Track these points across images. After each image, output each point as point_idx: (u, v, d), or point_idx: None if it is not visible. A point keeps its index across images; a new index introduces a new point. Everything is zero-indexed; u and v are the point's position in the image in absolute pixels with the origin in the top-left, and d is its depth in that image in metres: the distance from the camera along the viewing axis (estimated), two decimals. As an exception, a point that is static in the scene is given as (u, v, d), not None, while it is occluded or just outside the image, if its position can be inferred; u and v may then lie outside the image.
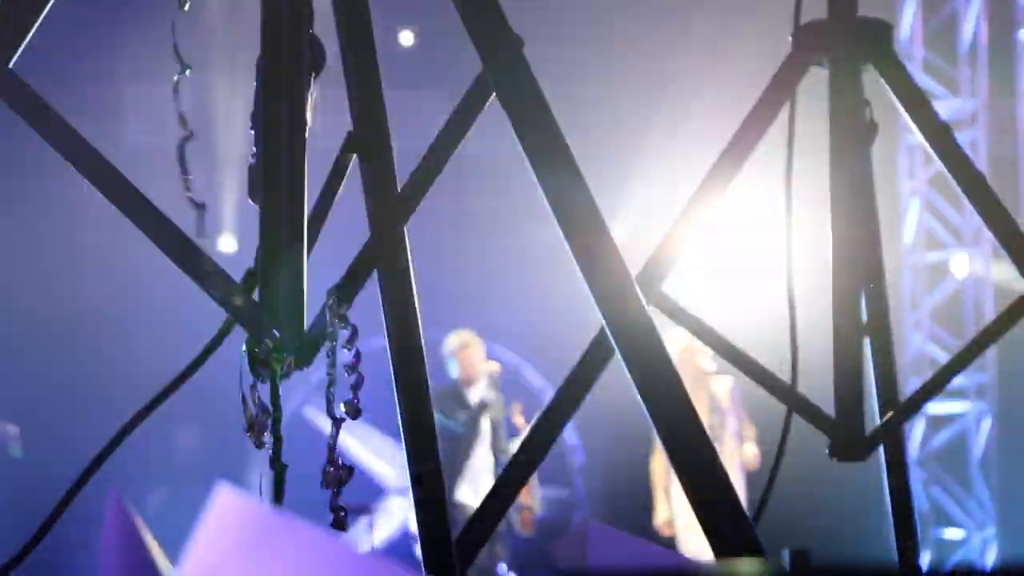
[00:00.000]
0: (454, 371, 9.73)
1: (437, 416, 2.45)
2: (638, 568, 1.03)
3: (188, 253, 2.09)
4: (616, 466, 11.45)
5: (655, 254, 3.14)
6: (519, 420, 9.98)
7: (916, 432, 11.48)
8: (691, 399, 2.12)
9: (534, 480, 9.94)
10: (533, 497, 9.84)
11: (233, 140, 11.44)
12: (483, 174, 9.97)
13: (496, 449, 9.59)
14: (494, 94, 2.18)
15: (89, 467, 2.07)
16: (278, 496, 1.94)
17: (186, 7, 2.11)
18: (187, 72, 2.13)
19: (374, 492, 10.46)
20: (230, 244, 11.31)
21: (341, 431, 1.99)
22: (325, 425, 2.06)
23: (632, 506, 10.43)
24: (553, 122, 2.10)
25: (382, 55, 2.21)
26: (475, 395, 9.67)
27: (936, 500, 11.51)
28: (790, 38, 3.21)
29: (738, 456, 9.68)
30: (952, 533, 11.51)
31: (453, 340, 9.77)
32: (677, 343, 9.14)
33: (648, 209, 11.02)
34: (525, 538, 9.93)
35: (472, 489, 9.39)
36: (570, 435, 11.43)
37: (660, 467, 9.54)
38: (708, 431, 2.09)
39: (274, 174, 2.07)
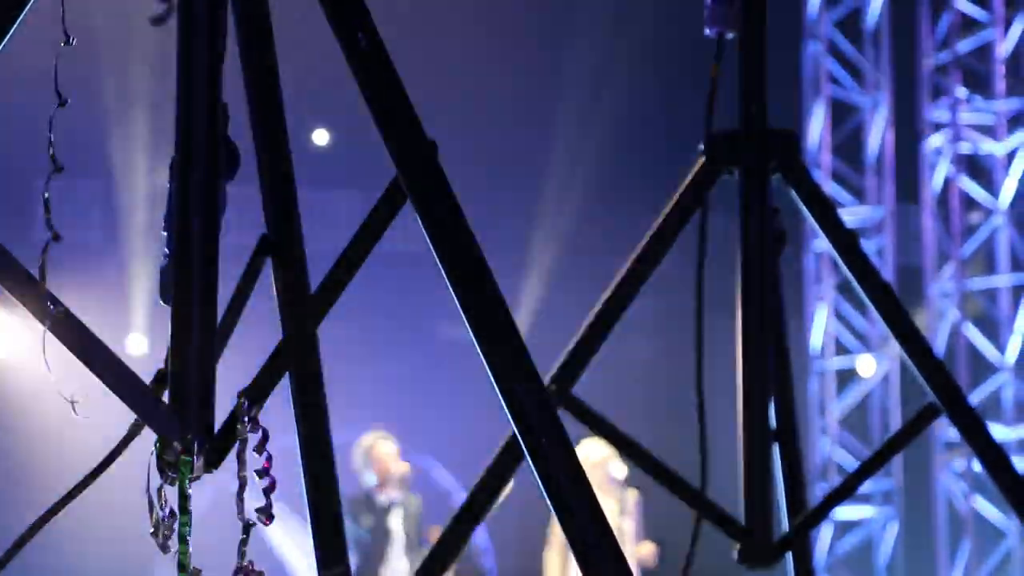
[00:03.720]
0: (366, 474, 9.65)
1: (346, 523, 2.43)
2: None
3: (97, 353, 2.07)
4: (527, 571, 11.39)
5: (566, 357, 3.15)
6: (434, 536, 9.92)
7: (823, 537, 11.52)
8: (600, 506, 2.12)
9: None
10: None
11: (144, 241, 11.38)
12: (395, 272, 9.97)
13: (412, 551, 9.50)
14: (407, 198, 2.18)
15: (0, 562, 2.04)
16: (185, 601, 1.91)
17: (72, 42, 2.09)
18: (65, 104, 2.09)
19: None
20: (140, 345, 11.20)
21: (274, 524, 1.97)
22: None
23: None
24: (467, 229, 2.11)
25: (296, 154, 2.22)
26: (385, 498, 9.59)
27: (843, 605, 11.55)
28: (700, 146, 3.25)
29: (636, 555, 9.71)
30: (859, 639, 11.54)
31: (366, 440, 9.71)
32: (589, 456, 9.19)
33: (545, 309, 11.07)
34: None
35: None
36: (480, 537, 11.36)
37: (555, 560, 9.55)
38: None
39: (186, 275, 2.06)
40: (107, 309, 9.91)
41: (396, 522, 9.59)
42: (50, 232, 2.02)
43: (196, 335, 2.05)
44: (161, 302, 2.10)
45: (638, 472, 3.34)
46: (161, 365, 2.12)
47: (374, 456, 9.63)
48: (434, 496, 10.61)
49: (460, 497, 10.53)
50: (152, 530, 2.01)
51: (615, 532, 2.08)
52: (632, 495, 9.83)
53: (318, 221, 11.24)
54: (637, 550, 9.76)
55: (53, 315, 2.00)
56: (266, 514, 1.95)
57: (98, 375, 2.07)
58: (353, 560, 2.10)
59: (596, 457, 9.28)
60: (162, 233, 2.11)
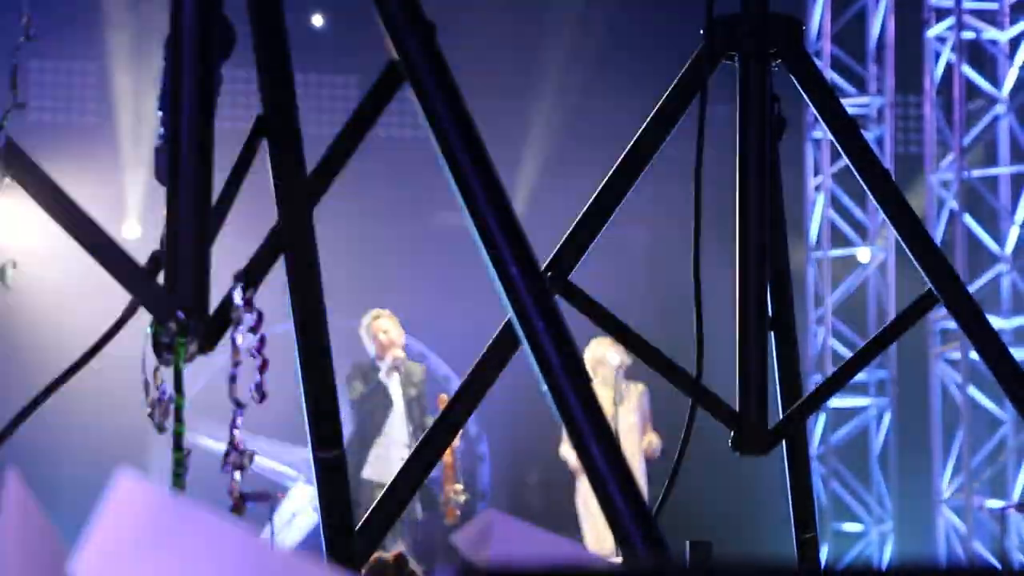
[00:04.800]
0: (368, 346, 9.74)
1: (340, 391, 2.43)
2: (542, 560, 1.03)
3: (93, 234, 2.06)
4: (521, 455, 11.47)
5: (563, 244, 3.14)
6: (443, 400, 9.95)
7: (817, 426, 11.59)
8: (596, 393, 2.13)
9: (458, 473, 9.92)
10: (457, 490, 9.80)
11: (138, 125, 11.33)
12: (392, 159, 9.93)
13: (416, 421, 9.55)
14: (405, 79, 2.17)
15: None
16: (179, 481, 1.92)
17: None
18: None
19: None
20: (134, 230, 11.18)
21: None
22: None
23: (537, 496, 10.46)
24: (465, 111, 2.09)
25: (293, 37, 2.19)
26: (384, 365, 9.64)
27: (836, 494, 11.63)
28: (701, 32, 3.22)
29: (641, 448, 9.76)
30: (851, 527, 11.64)
31: (370, 314, 9.80)
32: (594, 354, 9.25)
33: (544, 197, 11.04)
34: (427, 527, 9.91)
35: (379, 465, 9.36)
36: (474, 424, 11.42)
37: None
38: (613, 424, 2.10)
39: (181, 156, 2.05)
40: (102, 194, 9.88)
41: (396, 390, 9.65)
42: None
43: (191, 215, 2.04)
44: (157, 182, 2.09)
45: (646, 370, 3.34)
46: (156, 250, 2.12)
47: (373, 330, 9.71)
48: (430, 382, 10.64)
49: (456, 385, 10.57)
50: (148, 411, 2.02)
51: (609, 420, 2.09)
52: (637, 389, 9.86)
53: (314, 105, 11.19)
54: (645, 442, 9.81)
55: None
56: (259, 393, 1.95)
57: (94, 256, 2.06)
58: (346, 427, 2.12)
59: (597, 355, 9.33)
60: (157, 113, 2.09)
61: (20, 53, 2.16)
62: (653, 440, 9.82)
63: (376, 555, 3.72)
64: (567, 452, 9.57)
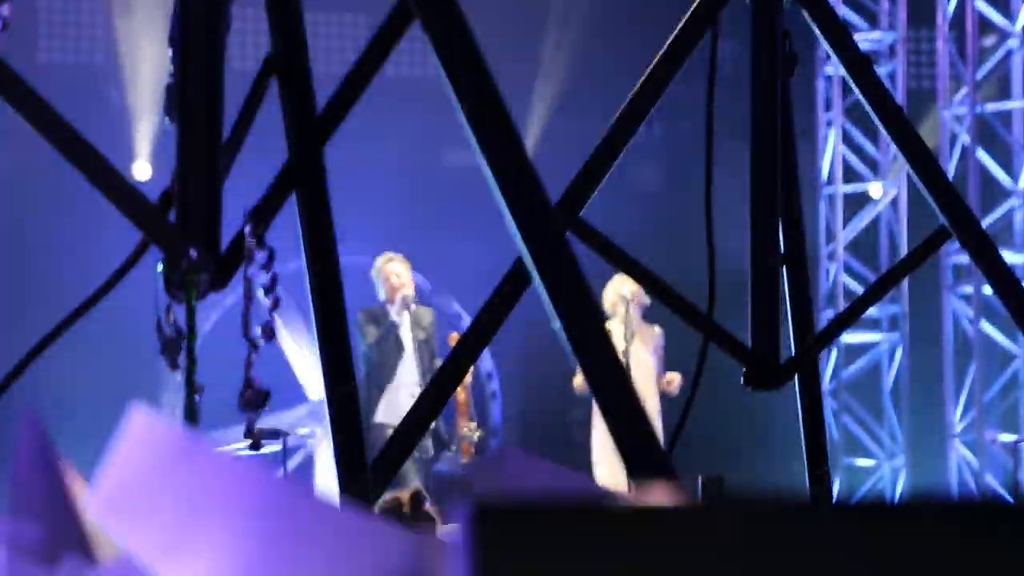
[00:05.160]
0: (379, 291, 9.73)
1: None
2: (556, 494, 1.04)
3: (104, 173, 2.06)
4: (532, 391, 11.49)
5: (574, 182, 3.14)
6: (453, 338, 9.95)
7: (829, 361, 11.59)
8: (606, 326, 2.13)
9: (471, 410, 9.94)
10: (471, 427, 9.82)
11: (146, 65, 11.29)
12: (401, 96, 9.90)
13: (425, 365, 9.56)
14: (416, 17, 2.16)
15: (1, 385, 2.05)
16: (192, 417, 1.92)
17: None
18: None
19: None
20: (144, 171, 11.15)
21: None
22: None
23: (548, 432, 10.49)
24: (475, 47, 2.08)
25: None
26: (395, 310, 9.65)
27: (848, 429, 11.64)
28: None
29: (658, 387, 9.77)
30: (863, 462, 11.66)
31: (380, 258, 9.78)
32: (611, 293, 9.25)
33: (555, 134, 11.01)
34: (439, 463, 9.93)
35: (389, 409, 9.36)
36: (485, 362, 11.44)
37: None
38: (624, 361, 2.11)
39: (191, 93, 2.05)
40: (111, 134, 9.86)
41: (406, 334, 9.66)
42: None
43: (201, 152, 2.04)
44: (167, 119, 2.09)
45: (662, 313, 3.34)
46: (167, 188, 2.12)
47: (385, 273, 9.71)
48: (440, 320, 10.65)
49: (467, 323, 10.57)
50: (161, 348, 2.02)
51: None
52: (653, 330, 9.85)
53: (323, 44, 11.15)
54: (666, 380, 9.81)
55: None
56: (268, 331, 1.95)
57: (105, 193, 2.06)
58: (360, 372, 2.13)
59: (615, 294, 9.33)
60: (167, 51, 2.09)
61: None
62: (675, 378, 9.83)
63: (391, 494, 3.74)
64: (581, 384, 9.59)
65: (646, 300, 9.27)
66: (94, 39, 11.88)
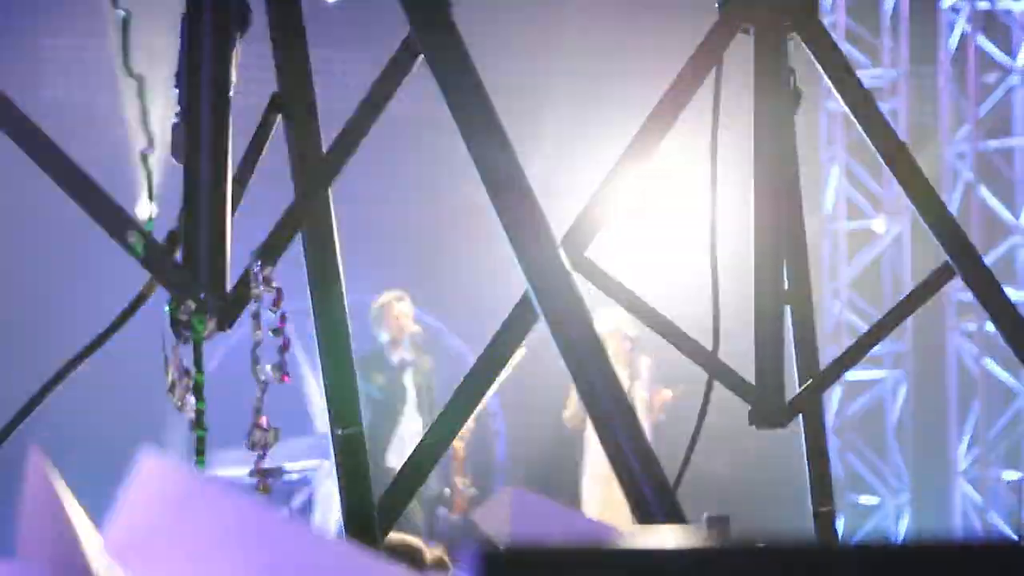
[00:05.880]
0: (380, 333, 9.68)
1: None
2: (563, 537, 1.03)
3: (110, 213, 2.07)
4: (537, 430, 11.48)
5: (580, 219, 3.14)
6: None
7: (833, 399, 11.57)
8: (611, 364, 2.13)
9: (467, 464, 9.92)
10: (466, 483, 9.80)
11: (152, 102, 11.29)
12: (408, 135, 9.93)
13: (425, 411, 9.54)
14: (422, 56, 2.16)
15: (7, 426, 2.05)
16: (201, 457, 1.92)
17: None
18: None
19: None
20: (148, 209, 11.13)
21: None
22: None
23: (553, 472, 10.47)
24: (481, 86, 2.09)
25: (307, 13, 2.19)
26: (397, 357, 9.62)
27: (852, 466, 11.62)
28: (716, 5, 3.21)
29: (652, 415, 9.79)
30: (867, 499, 11.63)
31: (383, 297, 9.72)
32: (604, 326, 9.20)
33: (561, 171, 11.03)
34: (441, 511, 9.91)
35: (400, 453, 9.33)
36: (490, 399, 11.43)
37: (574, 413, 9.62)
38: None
39: (198, 133, 2.05)
40: (114, 172, 9.88)
41: (409, 380, 9.63)
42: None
43: (208, 192, 2.04)
44: (174, 160, 2.09)
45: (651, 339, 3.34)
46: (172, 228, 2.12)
47: (389, 314, 9.65)
48: (445, 358, 10.64)
49: (471, 361, 10.58)
50: (168, 389, 2.02)
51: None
52: (645, 362, 9.87)
53: (327, 80, 11.16)
54: (654, 397, 9.84)
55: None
56: (280, 371, 1.95)
57: (111, 234, 2.06)
58: (365, 417, 2.11)
59: (608, 328, 9.31)
60: (173, 90, 2.09)
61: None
62: (664, 393, 9.86)
63: (400, 537, 3.72)
64: (570, 416, 9.60)
65: (632, 332, 9.29)
66: (100, 74, 11.86)
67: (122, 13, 2.11)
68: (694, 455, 3.23)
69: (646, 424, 9.70)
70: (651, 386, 9.94)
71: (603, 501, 9.49)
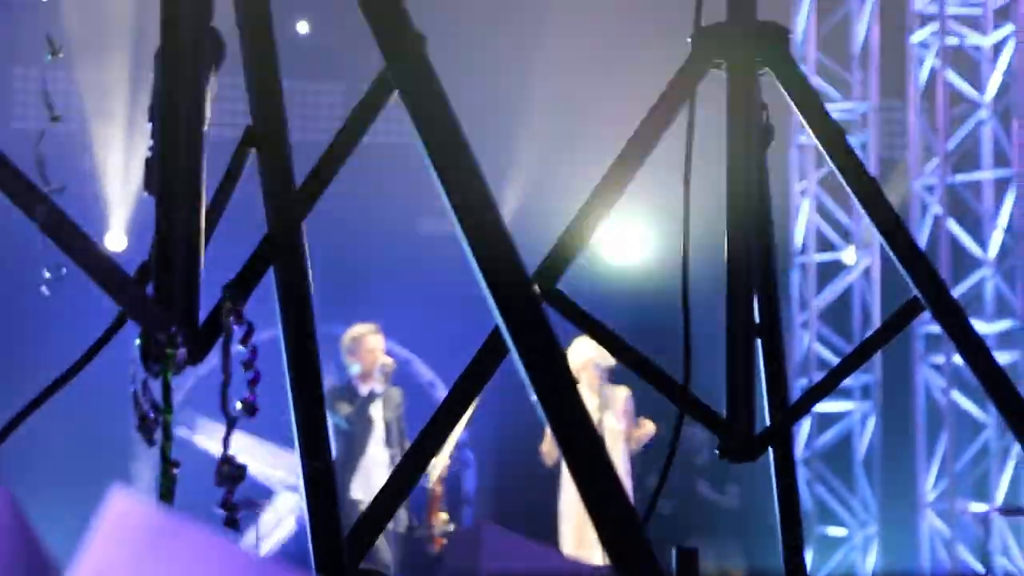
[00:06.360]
0: (352, 364, 9.65)
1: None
2: (534, 572, 1.03)
3: (81, 245, 2.06)
4: (506, 464, 11.47)
5: (552, 252, 3.14)
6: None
7: (802, 431, 11.59)
8: (582, 399, 2.12)
9: (443, 501, 9.91)
10: (444, 520, 9.79)
11: (121, 133, 11.27)
12: (378, 164, 9.93)
13: (394, 444, 9.52)
14: (395, 91, 2.16)
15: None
16: (168, 496, 1.91)
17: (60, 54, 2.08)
18: (59, 56, 2.08)
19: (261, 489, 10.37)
20: (119, 242, 11.08)
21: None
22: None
23: (522, 504, 10.45)
24: (454, 120, 2.09)
25: (280, 45, 2.19)
26: (367, 389, 9.60)
27: (820, 498, 11.63)
28: (689, 40, 3.22)
29: (629, 445, 9.78)
30: (835, 531, 11.64)
31: (355, 330, 9.70)
32: (576, 357, 9.20)
33: (532, 205, 11.05)
34: (416, 538, 9.89)
35: (365, 486, 9.30)
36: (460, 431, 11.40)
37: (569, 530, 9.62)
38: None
39: (171, 167, 2.04)
40: (84, 205, 9.84)
41: (377, 413, 9.61)
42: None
43: (180, 226, 2.04)
44: (146, 193, 2.08)
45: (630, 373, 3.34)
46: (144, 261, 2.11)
47: (362, 347, 9.63)
48: (414, 389, 10.63)
49: (441, 392, 10.54)
50: (137, 423, 2.01)
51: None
52: (622, 393, 9.87)
53: (299, 112, 11.17)
54: (635, 431, 9.84)
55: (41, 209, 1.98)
56: (250, 407, 1.94)
57: (82, 267, 2.06)
58: (333, 449, 2.11)
59: (581, 359, 9.29)
60: (147, 124, 2.09)
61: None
62: (648, 426, 9.85)
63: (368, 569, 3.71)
64: (548, 451, 9.59)
65: (611, 362, 9.27)
66: (68, 107, 11.85)
67: (48, 59, 2.11)
68: (672, 484, 3.23)
69: (622, 455, 9.69)
70: (632, 418, 9.93)
71: (579, 534, 9.48)
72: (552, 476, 9.68)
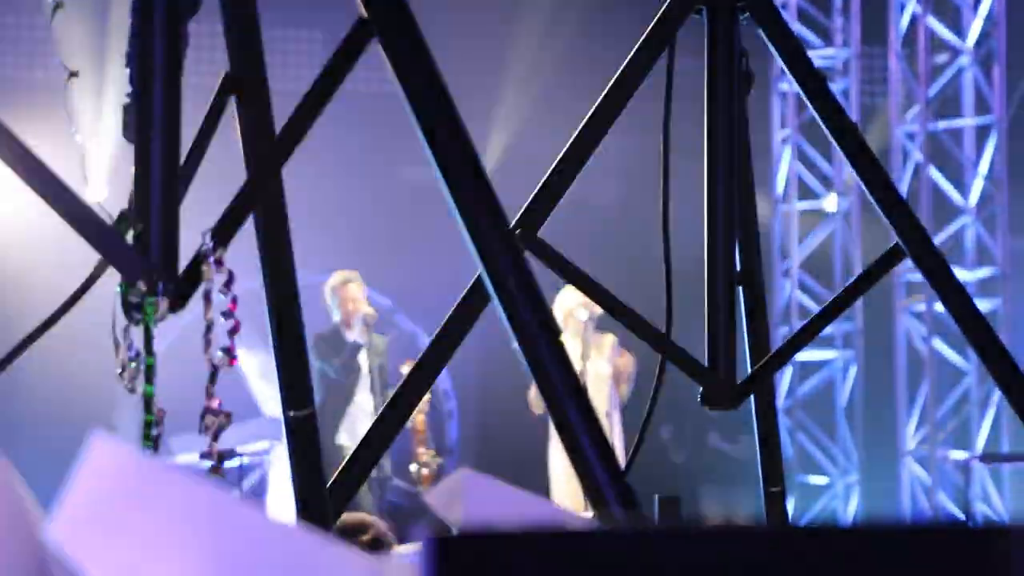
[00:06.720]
0: (335, 313, 9.67)
1: (312, 360, 2.43)
2: (516, 520, 1.03)
3: (59, 193, 2.05)
4: (489, 410, 11.49)
5: (533, 199, 3.14)
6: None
7: (784, 379, 11.62)
8: (564, 346, 2.13)
9: (428, 438, 9.93)
10: (430, 454, 9.80)
11: (103, 82, 11.21)
12: (360, 114, 9.89)
13: (377, 392, 9.54)
14: (374, 35, 2.15)
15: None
16: (152, 442, 1.91)
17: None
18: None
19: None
20: (100, 192, 11.00)
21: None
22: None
23: (506, 451, 10.47)
24: (435, 67, 2.08)
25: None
26: (352, 337, 9.62)
27: (802, 446, 11.68)
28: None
29: (613, 399, 9.80)
30: (816, 479, 11.69)
31: (335, 278, 9.72)
32: (562, 303, 9.19)
33: (514, 152, 11.03)
34: (398, 487, 9.91)
35: (351, 433, 9.33)
36: (442, 380, 11.42)
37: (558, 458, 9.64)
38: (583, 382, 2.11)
39: (149, 113, 2.04)
40: (62, 153, 9.81)
41: (364, 360, 9.63)
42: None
43: (159, 172, 2.03)
44: (125, 139, 2.07)
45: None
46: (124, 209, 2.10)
47: (342, 296, 9.65)
48: (397, 338, 10.63)
49: (424, 340, 10.55)
50: (119, 371, 2.01)
51: (579, 375, 2.09)
52: (607, 339, 9.87)
53: (278, 60, 11.11)
54: (617, 364, 9.86)
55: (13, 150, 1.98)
56: (229, 355, 1.94)
57: (61, 214, 2.05)
58: (319, 397, 2.11)
59: (567, 304, 9.29)
60: (125, 70, 2.08)
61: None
62: (627, 359, 9.87)
63: (359, 518, 3.71)
64: (534, 398, 9.60)
65: (597, 310, 9.27)
66: (47, 54, 11.77)
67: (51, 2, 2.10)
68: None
69: (608, 399, 9.70)
70: (617, 362, 9.94)
71: (568, 477, 9.50)
72: (542, 424, 9.72)
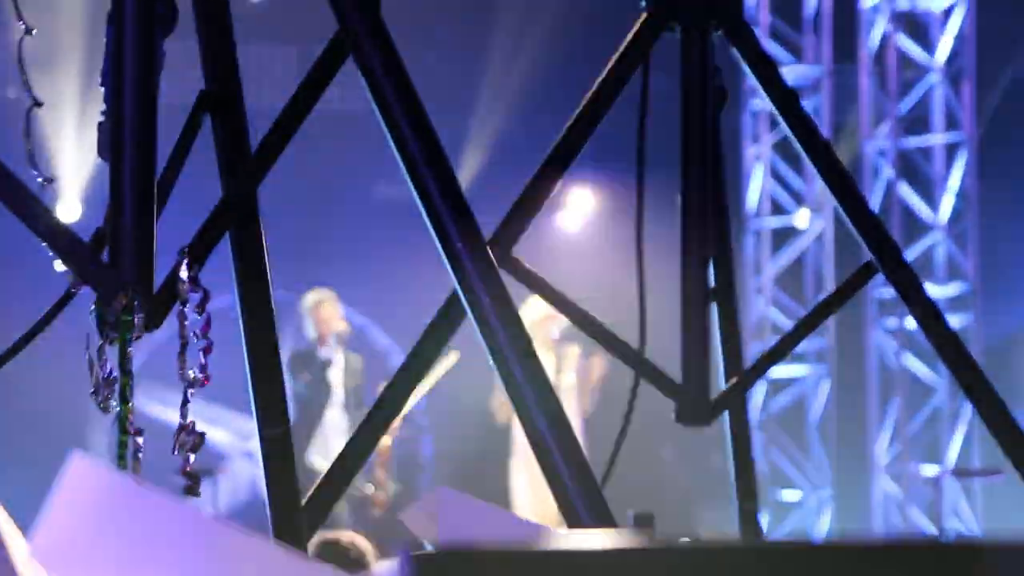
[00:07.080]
0: (309, 330, 9.68)
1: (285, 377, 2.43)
2: (492, 538, 1.03)
3: (35, 211, 2.05)
4: (464, 427, 11.48)
5: (508, 218, 3.14)
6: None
7: (757, 395, 11.64)
8: (539, 361, 2.13)
9: (392, 463, 9.93)
10: (388, 479, 9.80)
11: (78, 101, 11.18)
12: (335, 130, 9.89)
13: (351, 410, 9.53)
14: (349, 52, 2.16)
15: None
16: (123, 463, 1.90)
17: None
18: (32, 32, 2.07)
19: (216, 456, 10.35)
20: (74, 211, 10.98)
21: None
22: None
23: (481, 468, 10.47)
24: (410, 85, 2.09)
25: (234, 9, 2.18)
26: (325, 353, 9.61)
27: (774, 462, 11.70)
28: (642, 2, 3.22)
29: (579, 411, 9.82)
30: (789, 495, 11.71)
31: (310, 297, 9.73)
32: (531, 315, 9.20)
33: (489, 170, 11.04)
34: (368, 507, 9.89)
35: (323, 451, 9.31)
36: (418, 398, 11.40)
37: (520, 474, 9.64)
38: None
39: (124, 131, 2.03)
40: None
41: (336, 378, 9.63)
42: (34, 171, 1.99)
43: (134, 191, 2.03)
44: (100, 158, 2.07)
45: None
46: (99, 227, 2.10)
47: (317, 313, 9.66)
48: (371, 355, 10.63)
49: (398, 358, 10.54)
50: (92, 390, 2.00)
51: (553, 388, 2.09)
52: (574, 351, 9.90)
53: (253, 77, 11.08)
54: (590, 370, 9.89)
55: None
56: (204, 375, 1.94)
57: (36, 232, 2.04)
58: (292, 415, 2.11)
59: (536, 316, 9.31)
60: (100, 88, 2.08)
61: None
62: (597, 364, 9.90)
63: (327, 535, 3.71)
64: (499, 406, 9.61)
65: (564, 321, 9.27)
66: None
67: (22, 28, 2.09)
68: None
69: (574, 415, 9.72)
70: (584, 373, 9.97)
71: (533, 491, 9.50)
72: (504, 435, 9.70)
